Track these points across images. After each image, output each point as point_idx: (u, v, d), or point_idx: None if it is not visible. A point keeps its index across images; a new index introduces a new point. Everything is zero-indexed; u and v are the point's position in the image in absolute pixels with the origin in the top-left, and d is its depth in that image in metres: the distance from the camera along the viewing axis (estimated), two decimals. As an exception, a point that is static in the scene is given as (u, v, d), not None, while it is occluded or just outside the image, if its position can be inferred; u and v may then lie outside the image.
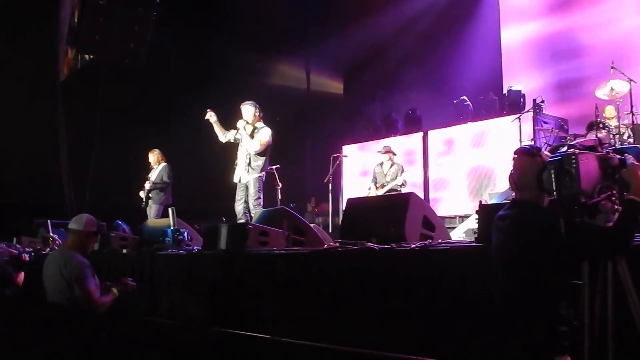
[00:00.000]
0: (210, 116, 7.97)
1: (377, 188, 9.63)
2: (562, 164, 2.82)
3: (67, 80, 11.83)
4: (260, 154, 7.76)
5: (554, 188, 2.81)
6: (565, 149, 2.98)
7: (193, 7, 12.07)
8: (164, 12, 10.38)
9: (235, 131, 7.93)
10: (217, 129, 8.04)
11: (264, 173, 7.83)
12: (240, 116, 7.92)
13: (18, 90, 10.99)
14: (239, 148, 7.97)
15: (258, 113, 7.89)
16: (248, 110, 7.87)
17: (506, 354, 2.87)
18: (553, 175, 2.81)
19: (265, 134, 7.76)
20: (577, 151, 2.83)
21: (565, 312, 2.76)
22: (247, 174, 7.78)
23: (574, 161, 2.79)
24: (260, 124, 7.86)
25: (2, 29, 10.96)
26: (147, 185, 9.59)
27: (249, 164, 7.77)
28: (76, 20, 10.23)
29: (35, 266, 6.22)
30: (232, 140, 8.02)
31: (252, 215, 7.44)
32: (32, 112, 11.17)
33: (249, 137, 7.78)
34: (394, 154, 9.86)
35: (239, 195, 7.86)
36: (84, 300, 4.69)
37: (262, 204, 7.74)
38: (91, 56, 10.97)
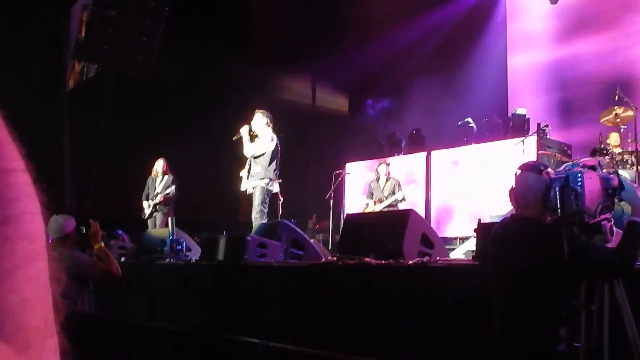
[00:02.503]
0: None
1: (375, 203, 9.57)
2: (567, 181, 2.78)
3: (73, 91, 11.88)
4: (257, 158, 7.59)
5: (558, 205, 2.77)
6: (564, 167, 2.96)
7: (203, 23, 12.15)
8: (173, 25, 10.45)
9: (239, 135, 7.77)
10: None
11: (269, 182, 7.53)
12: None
13: (23, 98, 11.04)
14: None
15: (266, 122, 7.74)
16: (258, 118, 7.76)
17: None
18: (557, 192, 2.77)
19: (264, 139, 7.60)
20: (582, 169, 2.80)
21: (564, 332, 2.71)
22: (247, 181, 7.62)
23: (579, 179, 2.76)
24: (264, 132, 7.70)
25: (10, 39, 11.04)
26: (159, 198, 9.54)
27: (249, 170, 7.63)
28: (83, 33, 10.27)
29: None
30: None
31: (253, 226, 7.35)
32: (37, 121, 11.21)
33: (248, 141, 7.64)
34: (388, 164, 9.88)
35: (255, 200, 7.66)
36: (105, 276, 4.69)
37: (265, 217, 7.51)
38: (97, 68, 11.02)
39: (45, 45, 11.64)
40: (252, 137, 7.70)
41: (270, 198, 7.83)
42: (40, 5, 11.43)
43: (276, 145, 7.67)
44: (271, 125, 7.80)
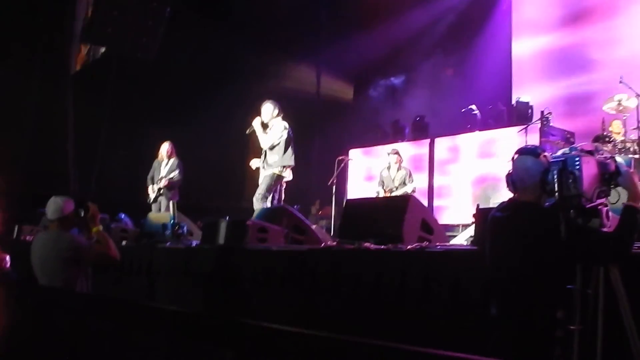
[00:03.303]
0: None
1: (385, 192, 9.55)
2: (565, 165, 2.77)
3: (78, 74, 11.87)
4: (273, 148, 7.60)
5: (556, 189, 2.75)
6: (561, 152, 2.93)
7: (208, 6, 12.10)
8: (179, 9, 10.42)
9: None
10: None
11: (282, 169, 7.57)
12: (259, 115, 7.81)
13: (28, 81, 11.03)
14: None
15: (276, 112, 7.76)
16: (266, 108, 7.77)
17: (502, 358, 2.82)
18: (556, 176, 2.75)
19: (277, 129, 7.62)
20: (581, 153, 2.78)
21: (561, 315, 2.70)
22: (263, 170, 7.67)
23: (577, 163, 2.74)
24: (274, 121, 7.73)
25: (16, 22, 11.02)
26: (164, 182, 9.51)
27: (265, 159, 7.67)
28: (89, 15, 10.25)
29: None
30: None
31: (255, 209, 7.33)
32: (41, 104, 11.21)
33: (262, 133, 7.66)
34: (401, 159, 9.80)
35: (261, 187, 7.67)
36: (103, 259, 4.68)
37: (267, 202, 7.49)
38: (103, 51, 11.00)
39: (50, 28, 11.62)
40: (265, 127, 7.70)
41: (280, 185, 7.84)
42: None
43: (289, 132, 7.69)
44: (281, 114, 7.80)
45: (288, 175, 7.71)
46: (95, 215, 4.73)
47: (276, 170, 7.55)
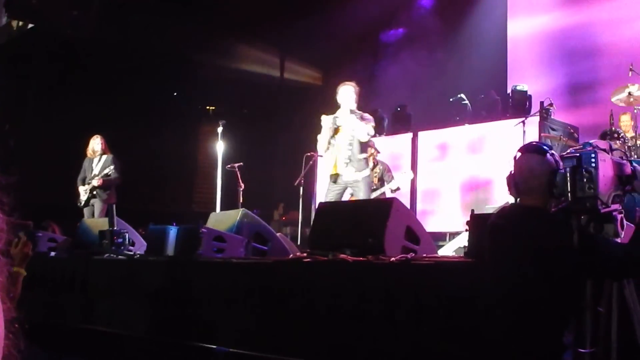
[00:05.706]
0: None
1: None
2: (580, 162, 2.80)
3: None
4: (364, 146, 7.15)
5: (569, 190, 2.77)
6: (575, 148, 2.98)
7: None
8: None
9: (332, 123, 7.11)
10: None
11: (370, 172, 7.33)
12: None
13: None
14: (334, 141, 7.14)
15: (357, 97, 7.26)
16: (347, 91, 7.17)
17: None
18: (568, 175, 2.78)
19: (372, 119, 7.22)
20: (596, 150, 2.82)
21: (569, 337, 2.75)
22: (346, 168, 7.02)
23: (593, 160, 2.77)
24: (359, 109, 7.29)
25: None
26: (97, 181, 9.42)
27: (352, 155, 7.03)
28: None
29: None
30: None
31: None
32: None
33: (358, 121, 7.02)
34: (378, 152, 9.75)
35: (328, 196, 7.10)
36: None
37: None
38: (28, 24, 10.81)
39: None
40: (361, 116, 7.14)
41: (232, 184, 7.71)
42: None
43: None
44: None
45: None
46: (25, 254, 3.91)
47: (368, 172, 7.30)
